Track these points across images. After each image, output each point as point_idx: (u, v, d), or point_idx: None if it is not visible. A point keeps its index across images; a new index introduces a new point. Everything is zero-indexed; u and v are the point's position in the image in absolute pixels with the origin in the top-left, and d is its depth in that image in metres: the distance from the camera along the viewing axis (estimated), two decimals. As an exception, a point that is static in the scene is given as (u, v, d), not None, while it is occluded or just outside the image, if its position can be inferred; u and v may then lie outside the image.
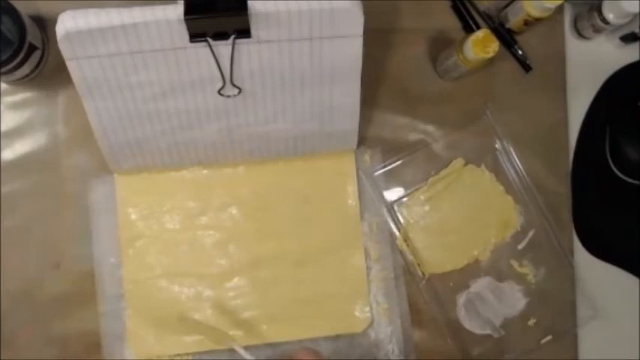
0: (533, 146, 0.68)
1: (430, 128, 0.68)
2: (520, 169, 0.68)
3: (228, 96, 0.57)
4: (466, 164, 0.68)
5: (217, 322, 0.63)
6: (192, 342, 0.63)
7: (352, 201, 0.66)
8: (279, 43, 0.53)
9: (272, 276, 0.64)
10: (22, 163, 0.63)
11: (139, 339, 0.62)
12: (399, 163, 0.67)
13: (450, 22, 0.69)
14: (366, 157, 0.67)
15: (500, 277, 0.67)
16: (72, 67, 0.53)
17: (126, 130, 0.59)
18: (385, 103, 0.67)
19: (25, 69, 0.60)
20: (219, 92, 0.57)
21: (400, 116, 0.68)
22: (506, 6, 0.68)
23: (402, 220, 0.67)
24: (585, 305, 0.68)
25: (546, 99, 0.70)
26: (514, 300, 0.67)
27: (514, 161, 0.68)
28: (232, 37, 0.52)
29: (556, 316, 0.68)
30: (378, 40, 0.66)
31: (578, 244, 0.70)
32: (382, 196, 0.66)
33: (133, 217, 0.63)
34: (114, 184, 0.63)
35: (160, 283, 0.63)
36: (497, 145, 0.68)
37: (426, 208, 0.67)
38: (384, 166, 0.67)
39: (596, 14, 0.65)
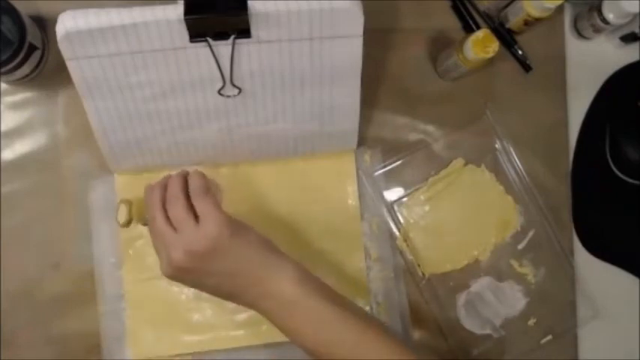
0: (533, 146, 0.68)
1: (430, 128, 0.68)
2: (520, 169, 0.68)
3: (228, 96, 0.57)
4: (466, 164, 0.68)
5: (217, 322, 0.63)
6: (192, 342, 0.63)
7: (352, 201, 0.66)
8: (279, 43, 0.53)
9: (272, 276, 0.64)
10: (22, 163, 0.63)
11: (138, 339, 0.62)
12: (399, 163, 0.67)
13: (450, 22, 0.69)
14: (366, 157, 0.67)
15: (500, 277, 0.67)
16: (72, 67, 0.53)
17: (126, 130, 0.59)
18: (385, 103, 0.67)
19: (25, 69, 0.60)
20: (219, 92, 0.57)
21: (400, 116, 0.68)
22: (506, 6, 0.68)
23: (402, 220, 0.67)
24: (585, 305, 0.68)
25: (546, 99, 0.70)
26: (514, 300, 0.67)
27: (514, 161, 0.68)
28: (232, 37, 0.52)
29: (556, 316, 0.68)
30: (378, 40, 0.66)
31: (578, 244, 0.70)
32: (382, 196, 0.66)
33: (133, 217, 0.63)
34: (114, 184, 0.63)
35: (160, 283, 0.63)
36: (497, 145, 0.68)
37: (426, 208, 0.67)
38: (384, 166, 0.67)
39: (596, 14, 0.65)
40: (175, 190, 0.51)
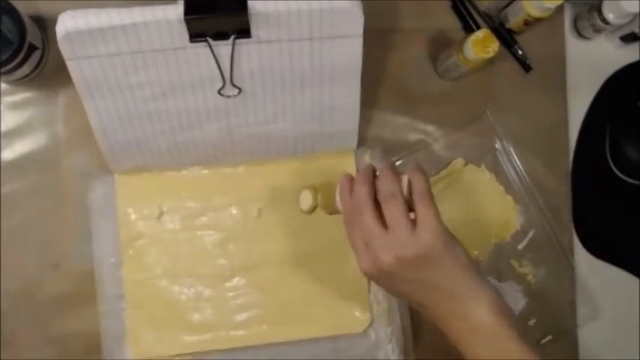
0: (533, 146, 0.68)
1: (430, 128, 0.68)
2: (520, 169, 0.68)
3: (228, 96, 0.57)
4: (466, 164, 0.68)
5: (217, 322, 0.63)
6: (192, 342, 0.63)
7: (352, 201, 0.66)
8: (279, 43, 0.53)
9: (272, 276, 0.64)
10: (22, 163, 0.63)
11: (138, 339, 0.62)
12: (399, 163, 0.67)
13: (450, 22, 0.69)
14: (366, 157, 0.66)
15: (500, 277, 0.67)
16: (72, 67, 0.53)
17: (126, 130, 0.59)
18: (385, 103, 0.67)
19: (25, 69, 0.60)
20: (219, 92, 0.57)
21: (400, 116, 0.68)
22: (506, 6, 0.68)
23: (402, 220, 0.67)
24: (585, 305, 0.68)
25: (546, 99, 0.70)
26: (514, 300, 0.67)
27: (514, 161, 0.68)
28: (232, 37, 0.52)
29: (556, 316, 0.68)
30: (378, 40, 0.66)
31: (578, 244, 0.70)
32: (382, 196, 0.66)
33: (133, 217, 0.63)
34: (114, 184, 0.63)
35: (160, 283, 0.63)
36: (497, 145, 0.68)
37: (426, 208, 0.67)
38: (384, 166, 0.67)
39: (596, 14, 0.65)
40: (393, 188, 0.48)
